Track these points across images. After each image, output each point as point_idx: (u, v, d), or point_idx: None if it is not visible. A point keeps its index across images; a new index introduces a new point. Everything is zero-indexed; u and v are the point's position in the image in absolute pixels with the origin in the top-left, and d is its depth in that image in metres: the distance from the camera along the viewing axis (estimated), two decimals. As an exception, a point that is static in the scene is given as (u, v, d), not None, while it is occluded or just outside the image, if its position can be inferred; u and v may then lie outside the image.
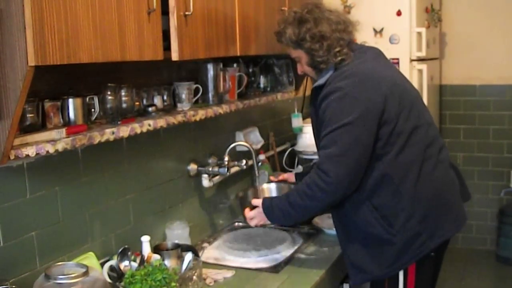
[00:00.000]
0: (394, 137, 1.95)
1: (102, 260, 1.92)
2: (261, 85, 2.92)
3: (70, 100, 1.75)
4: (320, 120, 2.00)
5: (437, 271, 2.25)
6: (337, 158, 1.88)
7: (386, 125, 1.93)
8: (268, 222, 2.11)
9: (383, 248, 1.99)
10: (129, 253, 1.88)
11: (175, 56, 1.86)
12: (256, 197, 2.28)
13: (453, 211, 2.09)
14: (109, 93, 1.87)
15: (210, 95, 2.38)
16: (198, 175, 2.52)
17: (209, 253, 2.33)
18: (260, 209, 2.08)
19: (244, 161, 2.65)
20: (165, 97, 2.17)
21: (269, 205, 2.06)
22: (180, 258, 1.93)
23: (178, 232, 2.26)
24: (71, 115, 1.75)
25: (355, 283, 2.11)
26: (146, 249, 1.93)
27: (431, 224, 2.00)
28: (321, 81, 2.04)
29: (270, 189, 2.48)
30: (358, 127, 1.88)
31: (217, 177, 2.60)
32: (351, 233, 2.05)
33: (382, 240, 1.97)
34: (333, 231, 2.50)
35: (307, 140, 3.28)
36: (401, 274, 2.03)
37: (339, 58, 2.01)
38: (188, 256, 1.91)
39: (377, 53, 2.17)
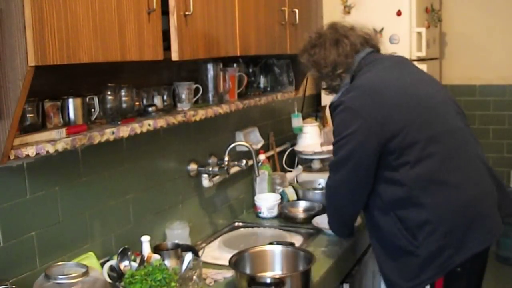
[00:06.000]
0: (408, 149, 1.91)
1: (102, 260, 1.92)
2: (261, 85, 2.92)
3: (70, 100, 1.75)
4: None
5: None
6: (336, 166, 2.06)
7: (395, 137, 1.91)
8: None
9: (407, 260, 1.93)
10: (129, 253, 1.88)
11: (175, 56, 1.86)
12: None
13: (485, 224, 1.94)
14: (109, 93, 1.87)
15: (210, 95, 2.38)
16: (198, 175, 2.52)
17: (209, 253, 2.33)
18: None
19: (244, 161, 2.65)
20: (165, 97, 2.17)
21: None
22: (180, 258, 1.93)
23: (178, 232, 2.26)
24: (71, 115, 1.75)
25: None
26: (146, 249, 1.93)
27: (458, 238, 1.89)
28: (334, 98, 2.12)
29: None
30: (355, 139, 1.95)
31: (217, 177, 2.59)
32: (382, 245, 2.04)
33: (406, 252, 1.93)
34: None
35: (307, 140, 3.29)
36: None
37: (344, 79, 2.11)
38: (188, 256, 1.91)
39: (395, 62, 2.16)
